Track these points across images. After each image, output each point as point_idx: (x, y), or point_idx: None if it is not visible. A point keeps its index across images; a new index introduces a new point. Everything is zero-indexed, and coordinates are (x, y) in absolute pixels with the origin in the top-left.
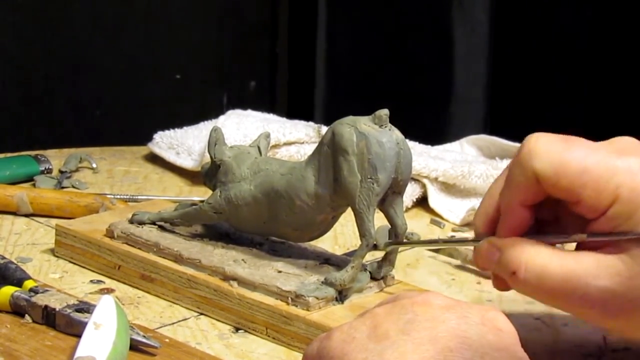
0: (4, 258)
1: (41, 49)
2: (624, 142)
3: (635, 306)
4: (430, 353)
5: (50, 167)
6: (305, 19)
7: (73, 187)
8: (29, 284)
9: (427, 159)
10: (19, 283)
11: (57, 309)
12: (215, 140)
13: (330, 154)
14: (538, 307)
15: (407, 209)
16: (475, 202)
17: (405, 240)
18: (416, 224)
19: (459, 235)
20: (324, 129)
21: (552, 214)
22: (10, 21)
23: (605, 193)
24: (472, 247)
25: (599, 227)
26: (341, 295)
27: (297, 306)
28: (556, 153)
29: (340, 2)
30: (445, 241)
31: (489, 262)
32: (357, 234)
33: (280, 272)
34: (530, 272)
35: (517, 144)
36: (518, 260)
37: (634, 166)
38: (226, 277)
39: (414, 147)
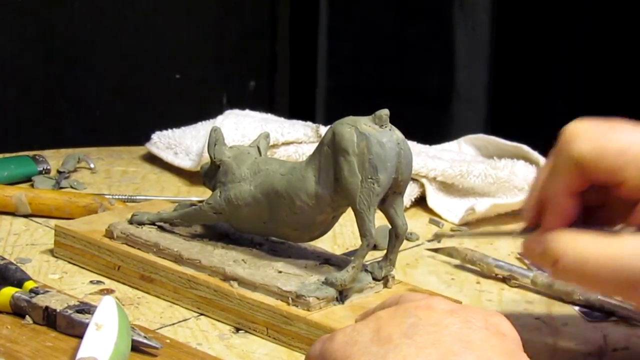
0: (3, 259)
1: (40, 49)
2: None
3: None
4: (433, 357)
5: (49, 167)
6: (306, 18)
7: (71, 187)
8: (29, 284)
9: (426, 159)
10: (19, 284)
11: (58, 310)
12: (215, 141)
13: (330, 154)
14: (538, 307)
15: (406, 209)
16: (473, 202)
17: (450, 232)
18: (415, 223)
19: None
20: (323, 128)
21: (599, 200)
22: (10, 21)
23: None
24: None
25: None
26: (342, 296)
27: (297, 306)
28: (595, 136)
29: (341, 1)
30: (493, 233)
31: (533, 255)
32: (357, 234)
33: (280, 272)
34: (569, 259)
35: (515, 144)
36: (557, 249)
37: None
38: (226, 278)
39: (412, 146)
